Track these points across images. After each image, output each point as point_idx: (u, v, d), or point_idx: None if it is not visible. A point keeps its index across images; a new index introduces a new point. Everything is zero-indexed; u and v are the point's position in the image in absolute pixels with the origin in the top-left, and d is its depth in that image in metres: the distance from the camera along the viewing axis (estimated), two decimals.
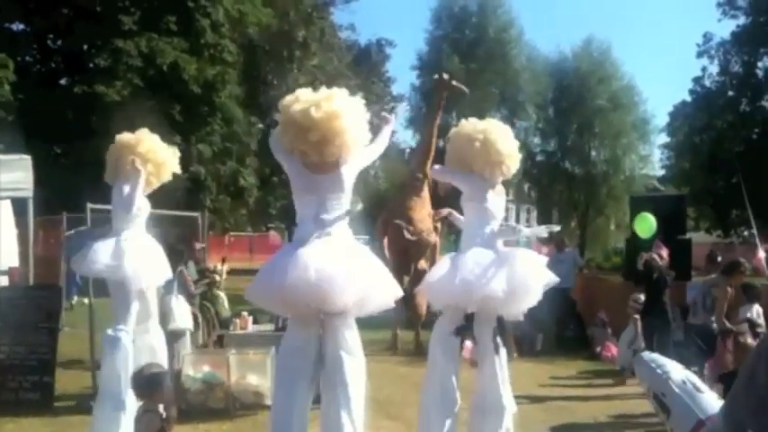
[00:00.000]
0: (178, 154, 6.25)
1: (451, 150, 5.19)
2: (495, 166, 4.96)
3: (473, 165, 5.01)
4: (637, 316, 9.76)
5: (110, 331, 5.63)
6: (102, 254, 5.55)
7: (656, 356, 3.00)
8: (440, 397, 4.71)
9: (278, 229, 38.05)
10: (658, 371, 2.86)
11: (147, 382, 4.28)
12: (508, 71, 39.14)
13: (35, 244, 11.39)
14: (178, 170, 6.23)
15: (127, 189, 5.73)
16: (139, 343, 5.76)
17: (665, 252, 9.30)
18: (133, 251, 5.57)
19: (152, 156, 5.88)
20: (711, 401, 2.67)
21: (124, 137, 5.97)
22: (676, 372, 2.82)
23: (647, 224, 10.80)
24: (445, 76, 12.40)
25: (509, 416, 4.80)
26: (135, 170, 5.71)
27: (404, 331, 12.68)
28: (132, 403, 5.25)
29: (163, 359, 5.89)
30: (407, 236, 11.35)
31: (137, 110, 22.08)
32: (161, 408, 4.24)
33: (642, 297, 9.72)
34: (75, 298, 15.57)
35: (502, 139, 4.98)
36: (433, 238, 11.76)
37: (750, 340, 5.96)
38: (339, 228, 4.26)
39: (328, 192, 4.27)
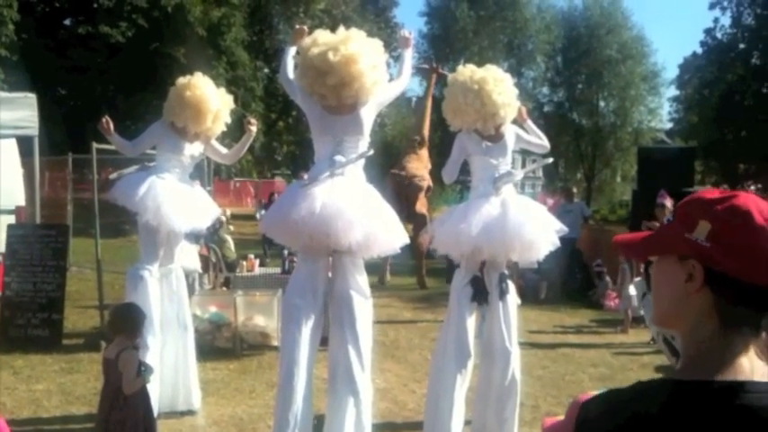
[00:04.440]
0: (231, 98, 5.92)
1: (448, 98, 5.12)
2: (487, 118, 4.88)
3: (465, 116, 4.94)
4: (626, 266, 9.82)
5: (133, 269, 5.55)
6: (139, 188, 5.39)
7: None
8: (454, 349, 4.73)
9: (284, 175, 38.01)
10: None
11: (130, 319, 4.14)
12: (518, 19, 38.60)
13: (41, 184, 11.41)
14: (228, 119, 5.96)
15: (185, 141, 5.56)
16: (161, 286, 5.63)
17: (668, 202, 9.20)
18: (170, 192, 5.40)
19: (204, 106, 5.53)
20: None
21: (179, 83, 5.61)
22: None
23: None
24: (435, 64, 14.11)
25: (516, 360, 4.83)
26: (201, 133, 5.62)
27: (407, 277, 12.85)
28: (153, 341, 5.28)
29: (185, 303, 5.83)
30: (398, 172, 12.65)
31: (141, 51, 21.94)
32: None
33: None
34: None
35: (498, 90, 4.86)
36: (425, 184, 12.60)
37: None
38: (352, 169, 4.26)
39: (345, 133, 4.26)
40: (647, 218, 8.85)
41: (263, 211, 16.20)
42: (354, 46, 4.18)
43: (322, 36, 4.30)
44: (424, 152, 13.32)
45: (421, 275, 12.62)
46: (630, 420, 1.14)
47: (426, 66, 14.82)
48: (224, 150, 5.99)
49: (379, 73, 4.30)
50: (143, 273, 5.46)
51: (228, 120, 5.83)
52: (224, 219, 10.26)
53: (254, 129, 5.84)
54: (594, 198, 38.68)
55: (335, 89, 4.15)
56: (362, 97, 4.26)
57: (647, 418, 1.13)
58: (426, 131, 13.40)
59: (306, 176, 4.39)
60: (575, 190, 15.05)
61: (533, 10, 39.53)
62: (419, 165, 12.98)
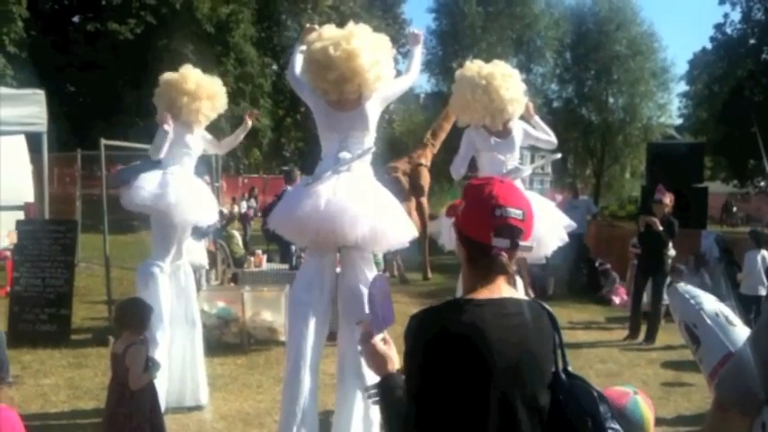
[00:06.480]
0: (222, 84, 6.02)
1: (456, 93, 5.11)
2: (495, 114, 4.88)
3: (473, 112, 4.94)
4: (635, 261, 9.76)
5: (144, 265, 5.56)
6: (148, 183, 5.43)
7: (689, 288, 2.99)
8: None
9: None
10: (691, 301, 2.84)
11: (136, 314, 4.12)
12: (527, 15, 38.44)
13: (50, 181, 11.45)
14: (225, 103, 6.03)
15: (185, 131, 5.62)
16: (171, 282, 5.65)
17: (667, 198, 9.12)
18: (179, 185, 5.45)
19: (203, 91, 5.65)
20: (743, 335, 2.65)
21: (170, 76, 5.70)
22: (709, 303, 2.81)
23: None
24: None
25: None
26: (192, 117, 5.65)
27: (414, 272, 12.86)
28: (162, 336, 5.30)
29: (192, 298, 5.85)
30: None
31: (149, 48, 22.00)
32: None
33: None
34: None
35: (506, 85, 4.87)
36: (398, 176, 12.63)
37: None
38: (359, 165, 4.25)
39: (351, 129, 4.25)
40: (653, 214, 8.81)
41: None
42: (357, 41, 4.17)
43: (327, 31, 4.31)
44: (421, 151, 13.31)
45: (426, 266, 12.95)
46: (435, 334, 1.74)
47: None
48: (217, 140, 6.11)
49: (382, 68, 4.28)
50: (154, 269, 5.48)
51: (225, 106, 5.97)
52: (235, 214, 10.28)
53: (250, 122, 6.06)
54: (603, 194, 38.51)
55: (337, 84, 4.15)
56: (365, 92, 4.25)
57: (443, 331, 1.73)
58: (440, 132, 13.29)
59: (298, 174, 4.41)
60: (580, 186, 15.00)
61: (542, 5, 39.34)
62: (402, 162, 13.13)
